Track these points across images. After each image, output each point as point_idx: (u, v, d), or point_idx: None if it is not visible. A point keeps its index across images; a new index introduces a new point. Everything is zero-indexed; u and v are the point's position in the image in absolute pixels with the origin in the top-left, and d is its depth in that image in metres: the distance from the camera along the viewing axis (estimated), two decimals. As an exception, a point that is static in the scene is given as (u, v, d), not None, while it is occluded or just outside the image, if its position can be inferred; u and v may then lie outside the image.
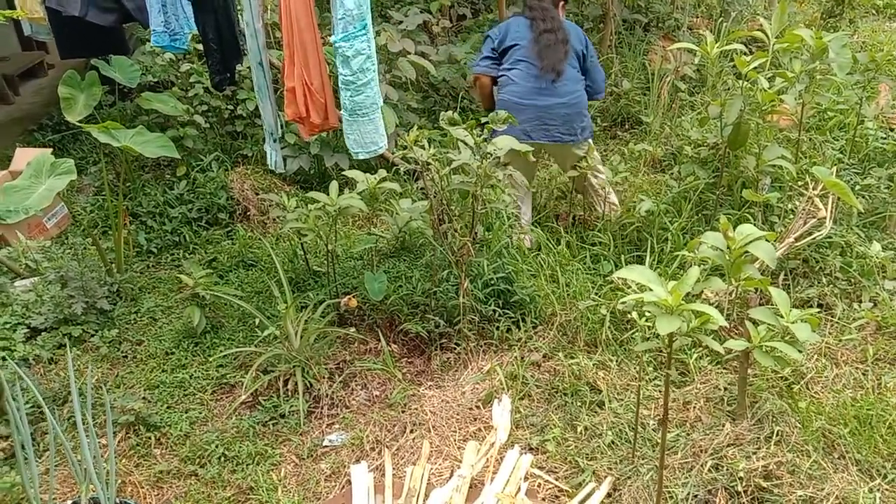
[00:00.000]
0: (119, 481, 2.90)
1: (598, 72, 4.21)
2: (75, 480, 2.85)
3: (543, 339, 3.51)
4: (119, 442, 3.09)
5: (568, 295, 3.64)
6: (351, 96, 2.80)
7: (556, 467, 2.86)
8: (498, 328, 3.56)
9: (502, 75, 4.09)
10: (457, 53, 5.58)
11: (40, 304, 3.78)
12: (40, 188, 3.58)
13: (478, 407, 3.22)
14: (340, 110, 3.23)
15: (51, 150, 4.75)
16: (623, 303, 2.11)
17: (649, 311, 2.10)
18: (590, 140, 4.19)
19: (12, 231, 4.38)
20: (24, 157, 4.74)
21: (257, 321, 3.56)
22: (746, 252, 2.63)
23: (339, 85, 2.83)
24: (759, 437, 2.76)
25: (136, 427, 3.15)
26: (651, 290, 1.97)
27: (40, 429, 3.08)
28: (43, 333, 3.69)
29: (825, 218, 3.55)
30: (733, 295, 3.26)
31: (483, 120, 3.72)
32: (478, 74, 4.19)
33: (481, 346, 3.55)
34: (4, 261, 4.06)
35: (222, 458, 3.00)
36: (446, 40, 6.09)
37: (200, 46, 5.07)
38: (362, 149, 2.96)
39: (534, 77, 3.96)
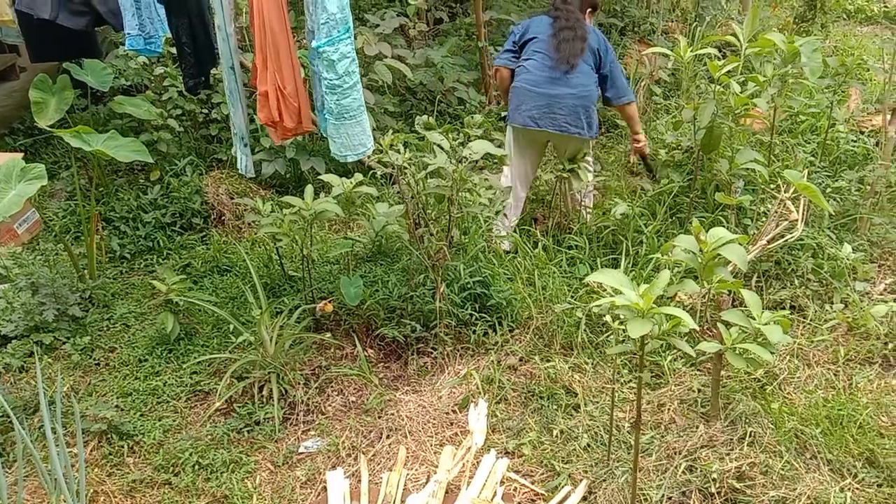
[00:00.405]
0: (91, 491, 2.86)
1: (619, 76, 4.22)
2: (46, 491, 2.81)
3: (520, 342, 3.52)
4: (91, 451, 3.05)
5: (544, 298, 3.66)
6: (338, 100, 2.79)
7: (532, 471, 2.86)
8: (475, 332, 3.56)
9: (519, 65, 4.19)
10: (434, 57, 5.58)
11: (10, 311, 3.72)
12: (10, 194, 3.52)
13: (454, 411, 3.22)
14: (314, 114, 3.21)
15: (22, 154, 4.68)
16: (598, 306, 2.11)
17: (622, 315, 2.11)
18: (592, 140, 4.25)
19: (-18, 237, 4.32)
20: (-6, 161, 4.66)
21: (231, 327, 3.53)
22: (719, 255, 2.65)
23: (324, 90, 2.81)
24: (732, 439, 2.79)
25: (109, 436, 3.11)
26: (623, 293, 1.98)
27: (10, 438, 3.03)
28: (13, 341, 3.63)
29: (797, 220, 3.58)
30: (706, 297, 3.29)
31: (503, 113, 4.02)
32: (498, 66, 4.32)
33: (458, 351, 3.55)
34: (-27, 268, 3.99)
35: (196, 467, 2.97)
36: (423, 44, 6.09)
37: (174, 50, 5.03)
38: (350, 151, 2.95)
39: (548, 67, 4.05)
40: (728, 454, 2.70)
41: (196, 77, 3.44)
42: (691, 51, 3.81)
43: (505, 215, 4.16)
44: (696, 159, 3.99)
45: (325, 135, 3.06)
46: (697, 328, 2.11)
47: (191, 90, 3.52)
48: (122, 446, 3.08)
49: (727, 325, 2.66)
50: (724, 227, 3.04)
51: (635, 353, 3.27)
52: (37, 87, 4.36)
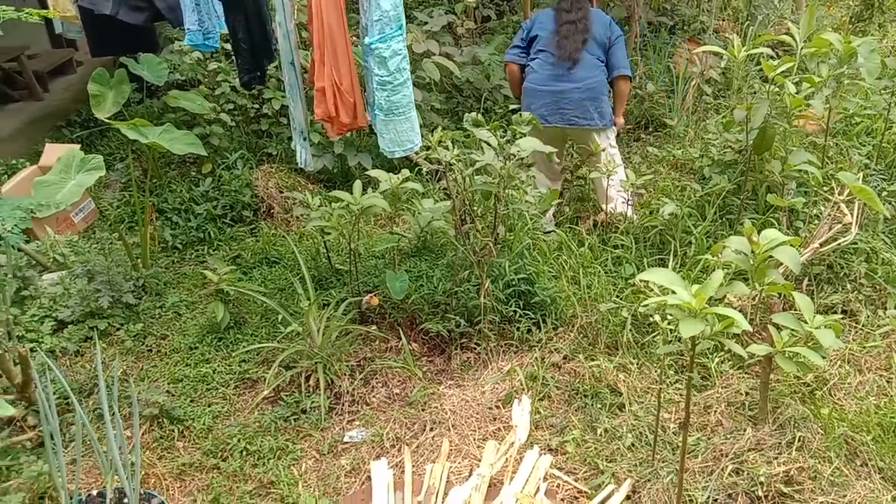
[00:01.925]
0: (142, 473, 2.94)
1: (619, 50, 4.28)
2: (100, 471, 2.90)
3: (564, 340, 3.52)
4: (143, 434, 3.14)
5: (589, 297, 3.64)
6: (388, 96, 2.84)
7: (575, 468, 2.86)
8: (518, 329, 3.56)
9: (528, 65, 4.32)
10: (481, 55, 5.59)
11: (67, 297, 3.85)
12: (69, 183, 3.64)
13: (497, 407, 3.23)
14: (366, 110, 3.26)
15: (79, 146, 4.83)
16: (645, 306, 2.10)
17: (672, 315, 2.10)
18: (610, 129, 4.32)
19: (41, 225, 4.47)
20: (53, 152, 4.82)
21: (280, 317, 3.59)
22: (770, 257, 2.62)
23: (375, 85, 2.85)
24: (780, 443, 2.74)
25: (160, 420, 3.19)
26: (674, 293, 1.97)
27: (66, 420, 3.14)
28: (69, 326, 3.75)
29: (851, 224, 3.52)
30: (756, 300, 3.25)
31: (512, 106, 4.15)
32: (507, 62, 4.45)
33: (501, 347, 3.56)
34: (33, 254, 4.13)
35: (244, 452, 3.04)
36: (471, 42, 6.10)
37: (228, 46, 5.13)
38: (399, 147, 3.00)
39: (550, 65, 4.19)
40: (776, 458, 2.67)
41: (251, 72, 3.51)
42: (745, 50, 3.75)
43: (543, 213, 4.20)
44: (748, 160, 3.93)
45: (375, 130, 3.10)
46: (751, 329, 2.08)
47: (245, 85, 3.60)
48: (173, 430, 3.16)
49: (778, 327, 2.62)
50: (775, 229, 2.99)
51: (683, 354, 3.25)
52: (95, 80, 4.48)
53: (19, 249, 4.05)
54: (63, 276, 3.99)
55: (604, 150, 4.23)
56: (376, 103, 2.88)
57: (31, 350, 3.43)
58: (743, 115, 3.81)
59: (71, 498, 2.42)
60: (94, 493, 2.57)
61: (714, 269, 3.39)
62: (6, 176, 4.83)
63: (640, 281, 3.51)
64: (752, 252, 2.64)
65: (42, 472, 2.72)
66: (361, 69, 3.27)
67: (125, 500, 2.48)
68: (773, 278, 2.69)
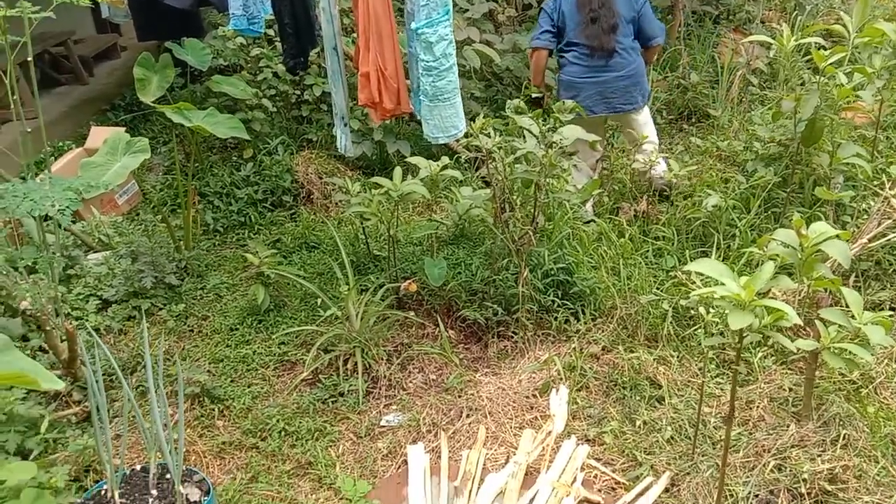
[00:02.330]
0: (183, 450, 2.99)
1: (649, 17, 4.24)
2: (142, 447, 2.96)
3: (603, 331, 3.49)
4: (184, 412, 3.19)
5: (629, 288, 3.61)
6: (433, 81, 2.83)
7: (612, 459, 2.85)
8: (556, 319, 3.55)
9: (560, 56, 4.26)
10: (521, 42, 5.54)
11: (111, 276, 3.93)
12: (115, 165, 3.71)
13: (534, 396, 3.23)
14: (410, 95, 3.25)
15: (124, 129, 4.91)
16: (694, 296, 2.07)
17: (719, 306, 2.07)
18: (646, 106, 4.36)
19: (87, 206, 4.55)
20: (98, 135, 4.91)
21: (319, 301, 3.62)
22: (819, 251, 2.56)
23: (420, 71, 2.85)
24: (824, 440, 2.69)
25: (201, 399, 3.24)
26: (723, 284, 1.94)
27: (110, 396, 3.20)
28: (113, 305, 3.83)
29: (902, 219, 3.42)
30: (802, 295, 3.18)
31: (534, 95, 4.25)
32: (539, 48, 4.27)
33: (538, 336, 3.55)
34: (79, 234, 4.22)
35: (283, 433, 3.08)
36: (511, 29, 6.06)
37: (271, 32, 5.17)
38: (443, 133, 2.99)
39: (587, 57, 4.15)
40: (820, 455, 2.62)
41: (296, 57, 3.53)
42: (794, 40, 3.67)
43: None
44: (796, 152, 3.85)
45: (418, 116, 3.10)
46: (801, 323, 2.04)
47: (291, 70, 3.63)
48: (213, 409, 3.21)
49: (825, 323, 2.57)
50: (823, 223, 2.92)
51: (725, 348, 3.20)
52: (140, 64, 4.55)
53: (66, 229, 4.14)
54: (108, 256, 4.07)
55: (646, 137, 4.24)
56: (421, 89, 2.88)
57: (77, 328, 3.51)
58: (791, 106, 3.73)
59: (116, 471, 2.47)
60: (138, 467, 2.62)
61: (759, 263, 3.34)
62: (53, 158, 4.93)
63: (683, 273, 3.47)
64: (801, 245, 2.58)
65: (87, 446, 2.78)
66: (405, 55, 3.27)
67: (168, 476, 2.52)
68: (821, 273, 2.63)
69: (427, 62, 2.80)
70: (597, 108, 4.18)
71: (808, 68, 5.04)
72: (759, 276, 1.98)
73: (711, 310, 2.60)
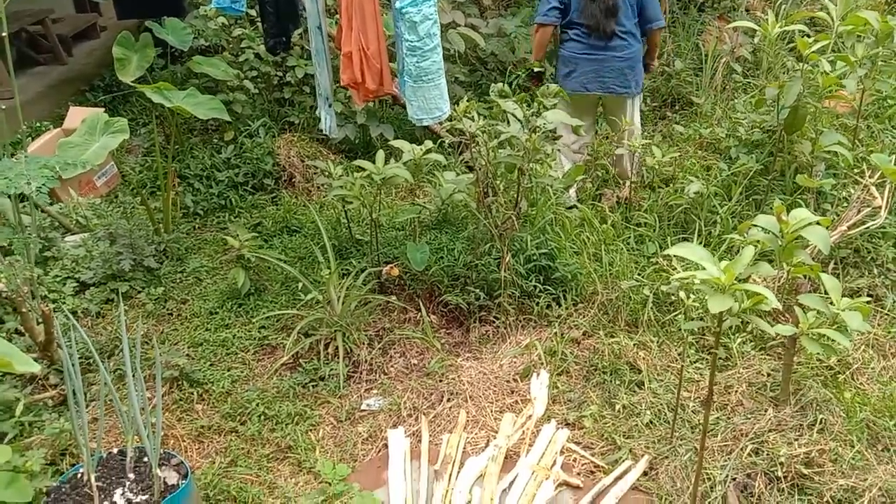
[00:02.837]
0: (162, 434, 2.97)
1: (652, 4, 4.28)
2: (120, 430, 2.94)
3: (584, 316, 3.50)
4: (162, 396, 3.16)
5: (610, 274, 3.62)
6: (417, 62, 2.81)
7: (592, 443, 2.86)
8: (538, 304, 3.55)
9: (563, 32, 4.31)
10: (507, 27, 5.52)
11: (89, 259, 3.87)
12: (94, 145, 3.64)
13: (515, 380, 3.23)
14: (395, 77, 3.22)
15: (103, 110, 4.83)
16: (674, 280, 2.08)
17: (700, 290, 2.07)
18: (639, 96, 4.41)
19: (64, 187, 4.48)
20: (76, 115, 4.83)
21: (300, 285, 3.60)
22: (799, 237, 2.57)
23: (404, 51, 2.82)
24: (801, 425, 2.72)
25: (180, 382, 3.22)
26: (703, 268, 1.94)
27: (87, 380, 3.16)
28: (91, 288, 3.78)
29: (880, 207, 3.45)
30: (781, 281, 3.20)
31: (536, 69, 4.45)
32: (544, 23, 4.27)
33: (520, 321, 3.55)
34: (56, 215, 4.16)
35: (262, 417, 3.06)
36: (496, 13, 6.03)
37: (253, 12, 5.10)
38: (427, 115, 2.97)
39: (587, 36, 4.20)
40: (797, 440, 2.64)
41: (277, 37, 3.49)
42: (779, 27, 3.67)
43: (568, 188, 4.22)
44: (778, 140, 3.86)
45: (404, 98, 3.07)
46: (780, 307, 2.05)
47: (271, 50, 3.58)
48: (192, 393, 3.19)
49: (804, 308, 2.58)
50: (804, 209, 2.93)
51: (704, 334, 3.22)
52: (120, 44, 4.47)
53: (43, 210, 4.08)
54: (85, 238, 4.01)
55: (630, 126, 4.25)
56: (405, 69, 2.85)
57: (54, 310, 3.46)
58: (774, 93, 3.74)
59: (92, 455, 2.44)
60: (115, 451, 2.59)
61: (739, 250, 3.36)
62: (30, 138, 4.85)
63: (664, 259, 3.48)
64: (781, 231, 2.59)
65: (63, 430, 2.75)
66: (391, 37, 3.24)
67: (145, 459, 2.50)
68: (801, 259, 2.65)
69: (411, 42, 2.77)
70: (591, 86, 4.23)
71: (792, 56, 5.06)
72: (739, 260, 1.98)
73: (692, 295, 2.61)
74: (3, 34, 2.76)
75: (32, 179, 2.62)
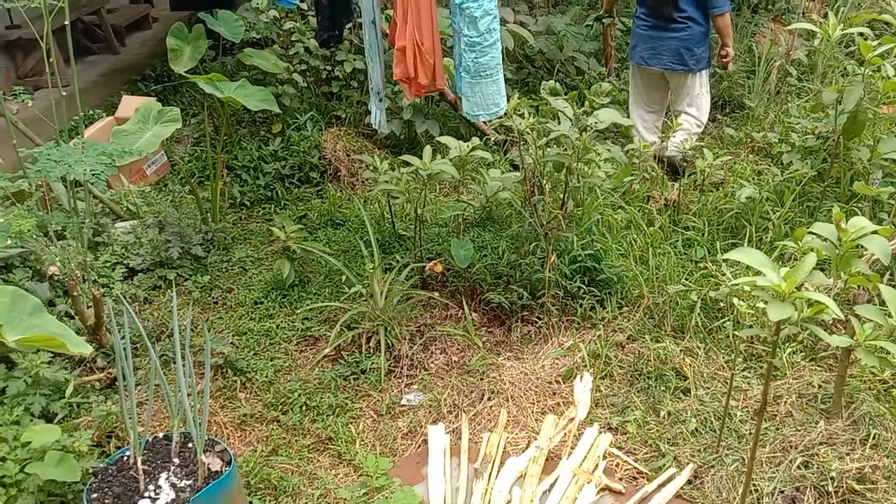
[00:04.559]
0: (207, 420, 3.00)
1: None
2: (164, 415, 2.98)
3: (629, 320, 3.45)
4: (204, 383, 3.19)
5: (657, 278, 3.56)
6: (476, 58, 2.81)
7: (635, 449, 2.81)
8: (581, 305, 3.51)
9: (636, 9, 4.71)
10: (556, 25, 5.47)
11: (138, 245, 3.94)
12: (147, 134, 3.71)
13: (557, 382, 3.20)
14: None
15: (155, 99, 4.91)
16: (730, 286, 2.03)
17: (756, 297, 2.02)
18: (706, 71, 4.60)
19: (116, 174, 4.56)
20: (129, 104, 4.91)
21: (344, 278, 3.61)
22: (857, 246, 2.50)
23: (463, 47, 2.81)
24: (854, 439, 2.64)
25: (224, 370, 3.25)
26: (763, 274, 1.89)
27: (132, 364, 3.20)
28: (139, 274, 3.85)
29: (942, 218, 3.34)
30: (836, 290, 3.11)
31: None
32: None
33: (563, 322, 3.51)
34: (107, 202, 4.24)
35: (304, 407, 3.08)
36: (546, 11, 5.98)
37: (304, 5, 5.14)
38: (483, 111, 2.97)
39: (649, 17, 4.55)
40: (849, 454, 2.57)
41: (330, 31, 3.50)
42: (840, 29, 3.57)
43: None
44: (835, 145, 3.76)
45: (457, 94, 3.05)
46: (843, 316, 1.98)
47: (324, 43, 3.60)
48: (236, 381, 3.22)
49: (860, 319, 2.50)
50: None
51: (753, 341, 3.14)
52: (174, 34, 4.54)
53: (95, 196, 4.16)
54: (135, 225, 4.08)
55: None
56: (463, 65, 2.84)
57: (103, 295, 3.53)
58: (833, 97, 3.63)
59: (139, 438, 2.48)
60: (160, 435, 2.63)
61: (791, 258, 3.28)
62: (83, 126, 4.94)
63: (714, 264, 3.42)
64: (839, 240, 2.52)
65: (110, 412, 2.80)
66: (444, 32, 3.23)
67: (189, 445, 2.53)
68: (858, 268, 2.57)
69: (470, 37, 2.75)
70: (651, 61, 4.55)
71: (855, 59, 4.92)
72: (800, 267, 1.93)
73: (743, 301, 2.55)
74: (67, 22, 2.82)
75: (91, 166, 2.66)
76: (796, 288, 2.32)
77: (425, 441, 2.92)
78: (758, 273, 1.93)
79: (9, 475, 2.36)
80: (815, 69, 5.57)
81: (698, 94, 4.58)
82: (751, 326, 2.85)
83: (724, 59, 4.65)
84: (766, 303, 1.87)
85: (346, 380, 3.23)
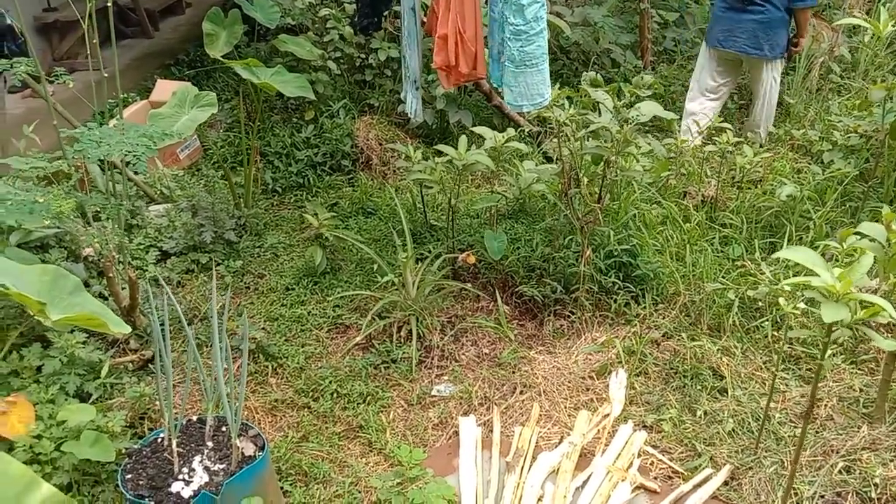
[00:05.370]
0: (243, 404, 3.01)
1: None
2: (196, 398, 2.99)
3: (664, 317, 3.40)
4: (238, 367, 3.20)
5: (693, 275, 3.50)
6: (521, 46, 2.77)
7: (670, 448, 2.77)
8: (615, 301, 3.46)
9: None
10: (593, 16, 5.40)
11: (172, 229, 3.95)
12: (183, 118, 3.72)
13: (591, 377, 3.16)
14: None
15: (189, 83, 4.92)
16: (784, 285, 1.97)
17: (801, 297, 1.97)
18: (779, 60, 4.67)
19: (151, 158, 4.58)
20: (163, 88, 4.93)
21: (376, 267, 3.59)
22: (907, 247, 2.43)
23: (508, 35, 2.77)
24: (898, 445, 2.58)
25: (256, 355, 3.25)
26: (817, 274, 1.84)
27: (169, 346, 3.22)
28: (172, 257, 3.86)
29: None
30: (882, 293, 3.04)
31: None
32: None
33: (597, 318, 3.47)
34: (141, 185, 4.25)
35: (335, 395, 3.07)
36: (582, 2, 5.90)
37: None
38: (527, 101, 2.93)
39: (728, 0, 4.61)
40: (892, 460, 2.51)
41: (370, 17, 3.48)
42: (892, 25, 3.47)
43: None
44: (882, 144, 3.67)
45: (493, 84, 3.01)
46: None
47: (363, 30, 3.58)
48: (267, 367, 3.22)
49: (909, 323, 2.44)
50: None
51: (793, 342, 3.07)
52: (210, 19, 4.55)
53: (130, 179, 4.17)
54: (169, 208, 4.09)
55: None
56: (507, 54, 2.80)
57: (137, 277, 3.54)
58: (881, 95, 3.54)
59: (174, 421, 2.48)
60: (194, 418, 2.63)
61: (833, 258, 3.20)
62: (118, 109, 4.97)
63: (752, 262, 3.35)
64: (888, 241, 2.45)
65: (143, 394, 2.80)
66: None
67: (223, 429, 2.53)
68: (908, 270, 2.50)
69: (517, 26, 2.71)
70: (726, 43, 4.58)
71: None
72: (856, 268, 1.87)
73: (787, 301, 2.49)
74: (109, 3, 2.82)
75: (132, 148, 2.67)
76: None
77: (456, 432, 2.90)
78: (810, 273, 1.87)
79: (45, 452, 2.38)
80: (857, 66, 5.45)
81: (766, 80, 4.65)
82: (791, 328, 2.80)
83: (795, 49, 4.72)
84: (807, 303, 1.81)
85: (377, 368, 3.22)
